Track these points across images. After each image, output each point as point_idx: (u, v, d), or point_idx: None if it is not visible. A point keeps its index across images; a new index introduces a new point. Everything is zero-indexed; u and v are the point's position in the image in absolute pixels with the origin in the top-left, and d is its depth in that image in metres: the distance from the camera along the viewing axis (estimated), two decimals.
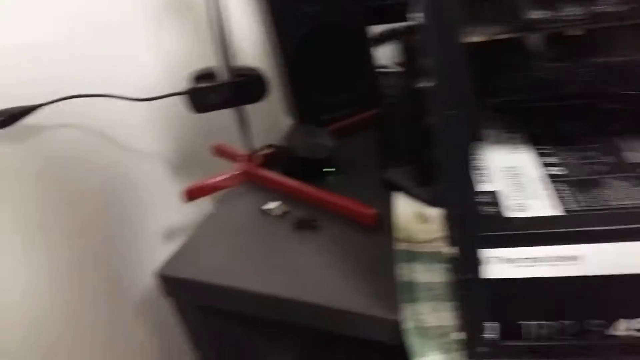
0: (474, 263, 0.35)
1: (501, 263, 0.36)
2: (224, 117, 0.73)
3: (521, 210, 0.37)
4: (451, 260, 0.37)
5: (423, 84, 0.36)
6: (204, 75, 0.67)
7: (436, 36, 0.30)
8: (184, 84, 0.69)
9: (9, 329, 0.62)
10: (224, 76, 0.66)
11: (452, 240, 0.35)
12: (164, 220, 0.84)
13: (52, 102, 0.65)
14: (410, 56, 0.60)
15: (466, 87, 0.30)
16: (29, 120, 0.63)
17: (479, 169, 0.40)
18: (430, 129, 0.38)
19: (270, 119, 0.98)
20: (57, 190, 0.67)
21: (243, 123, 0.71)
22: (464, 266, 0.35)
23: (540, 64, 0.42)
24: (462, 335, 0.41)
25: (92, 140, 0.72)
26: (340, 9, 0.74)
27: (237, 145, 0.79)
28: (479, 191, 0.35)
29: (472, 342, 0.40)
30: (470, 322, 0.39)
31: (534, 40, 0.43)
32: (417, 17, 0.32)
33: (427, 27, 0.31)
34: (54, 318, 0.66)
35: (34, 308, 0.64)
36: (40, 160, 0.65)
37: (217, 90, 0.66)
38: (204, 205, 0.91)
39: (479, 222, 0.34)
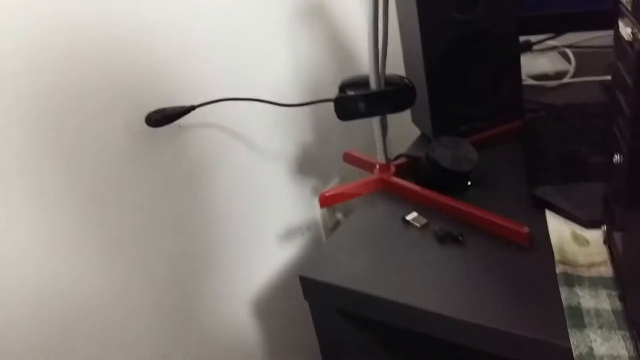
0: None
1: None
2: (353, 125, 0.74)
3: None
4: None
5: None
6: (353, 84, 0.68)
7: None
8: (315, 92, 0.71)
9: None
10: (374, 85, 0.67)
11: None
12: (282, 219, 0.86)
13: (207, 103, 0.69)
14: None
15: None
16: (183, 119, 0.67)
17: None
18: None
19: (398, 128, 0.99)
20: (192, 188, 0.70)
21: (384, 132, 0.71)
22: None
23: None
24: None
25: (229, 140, 0.75)
26: (492, 17, 0.72)
27: (365, 153, 0.80)
28: None
29: None
30: None
31: None
32: None
33: None
34: (162, 313, 0.69)
35: (144, 305, 0.67)
36: (182, 159, 0.69)
37: (367, 98, 0.66)
38: (316, 212, 0.93)
39: None
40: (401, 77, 0.70)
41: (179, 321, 0.70)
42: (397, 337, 0.75)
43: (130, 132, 0.62)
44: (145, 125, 0.64)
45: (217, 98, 0.70)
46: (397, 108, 0.69)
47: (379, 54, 0.65)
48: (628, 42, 0.39)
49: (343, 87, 0.69)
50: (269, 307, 0.84)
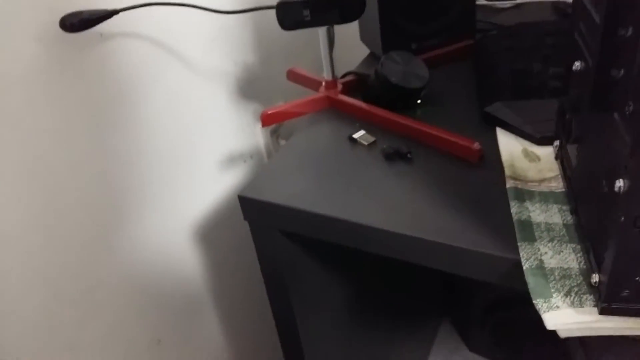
0: None
1: None
2: (298, 43, 0.69)
3: None
4: (620, 196, 0.33)
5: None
6: None
7: None
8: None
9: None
10: None
11: (633, 173, 0.31)
12: (222, 145, 0.81)
13: (131, 7, 0.61)
14: None
15: None
16: (101, 26, 0.59)
17: None
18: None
19: (344, 45, 0.93)
20: (118, 106, 0.63)
21: (330, 45, 0.66)
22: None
23: None
24: (603, 278, 0.37)
25: (160, 54, 0.68)
26: None
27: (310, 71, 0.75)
28: None
29: (620, 285, 0.36)
30: (626, 264, 0.35)
31: None
32: None
33: None
34: (93, 244, 0.64)
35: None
36: (105, 73, 0.61)
37: (313, 5, 0.61)
38: (259, 138, 0.88)
39: None
40: None
41: (107, 251, 0.64)
42: (341, 256, 0.73)
43: (42, 38, 0.54)
44: (60, 31, 0.56)
45: (144, 2, 0.62)
46: (345, 18, 0.63)
47: None
48: None
49: None
50: (210, 233, 0.80)
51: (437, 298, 1.26)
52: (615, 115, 0.35)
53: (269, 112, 0.66)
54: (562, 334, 0.40)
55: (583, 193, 0.44)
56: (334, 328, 0.78)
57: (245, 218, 0.58)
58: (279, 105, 0.67)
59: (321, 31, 0.65)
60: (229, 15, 0.71)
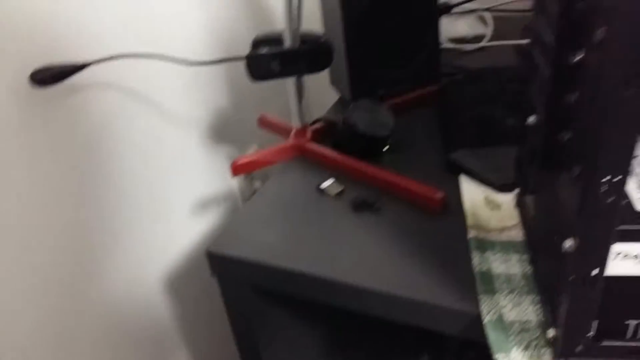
0: (604, 258, 0.32)
1: (627, 259, 0.33)
2: (271, 89, 0.70)
3: None
4: (570, 255, 0.34)
5: (577, 57, 0.32)
6: (266, 40, 0.64)
7: None
8: (229, 49, 0.65)
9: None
10: (288, 42, 0.62)
11: (583, 233, 0.32)
12: (196, 190, 0.81)
13: (102, 60, 0.62)
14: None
15: None
16: (72, 78, 0.60)
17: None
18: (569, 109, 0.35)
19: (315, 91, 0.95)
20: (89, 156, 0.63)
21: (299, 95, 0.68)
22: (591, 262, 0.32)
23: None
24: (558, 333, 0.38)
25: (131, 103, 0.69)
26: None
27: (281, 118, 0.76)
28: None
29: (573, 341, 0.37)
30: (578, 321, 0.36)
31: None
32: None
33: None
34: (65, 292, 0.64)
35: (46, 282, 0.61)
36: (76, 123, 0.62)
37: (281, 57, 0.62)
38: (230, 181, 0.89)
39: (617, 215, 0.30)
40: (318, 36, 0.66)
41: (77, 301, 0.64)
42: (312, 310, 0.73)
43: (13, 93, 0.55)
44: (30, 86, 0.56)
45: (115, 54, 0.63)
46: (313, 68, 0.65)
47: (294, 9, 0.61)
48: None
49: (256, 44, 0.64)
50: (180, 284, 0.80)
51: (414, 335, 1.26)
52: (564, 175, 0.37)
53: (239, 163, 0.67)
54: None
55: (539, 245, 0.46)
56: None
57: (213, 273, 0.58)
58: (249, 155, 0.68)
59: (290, 81, 0.66)
60: (201, 67, 0.72)
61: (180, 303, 0.80)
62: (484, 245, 0.51)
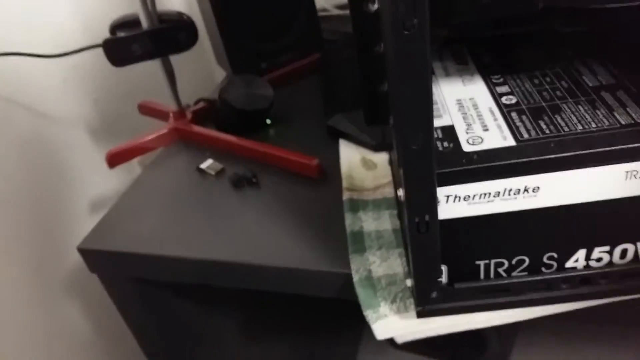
0: (431, 203, 0.32)
1: (458, 201, 0.33)
2: (152, 72, 0.67)
3: (476, 144, 0.34)
4: (404, 203, 0.34)
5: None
6: (125, 24, 0.60)
7: None
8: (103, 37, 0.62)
9: None
10: (145, 23, 0.59)
11: (406, 181, 0.31)
12: (90, 189, 0.77)
13: None
14: None
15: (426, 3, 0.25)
16: None
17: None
18: (380, 60, 0.34)
19: (202, 71, 0.92)
20: None
21: (170, 76, 0.65)
22: (420, 208, 0.32)
23: None
24: (415, 282, 0.38)
25: (5, 106, 0.64)
26: None
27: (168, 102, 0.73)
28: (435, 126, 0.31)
29: (426, 288, 0.37)
30: (425, 267, 0.36)
31: None
32: None
33: None
34: None
35: None
36: None
37: (139, 39, 0.59)
38: (136, 170, 0.85)
39: (436, 159, 0.30)
40: (180, 14, 0.63)
41: None
42: (221, 298, 0.72)
43: None
44: None
45: None
46: (177, 47, 0.62)
47: None
48: None
49: (113, 29, 0.61)
50: (84, 284, 0.76)
51: (346, 312, 1.26)
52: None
53: (114, 152, 0.63)
54: (399, 340, 0.41)
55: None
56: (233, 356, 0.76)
57: (92, 271, 0.56)
58: (124, 144, 0.65)
59: (157, 63, 0.64)
60: (82, 53, 0.68)
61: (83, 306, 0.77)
62: (357, 205, 0.50)
